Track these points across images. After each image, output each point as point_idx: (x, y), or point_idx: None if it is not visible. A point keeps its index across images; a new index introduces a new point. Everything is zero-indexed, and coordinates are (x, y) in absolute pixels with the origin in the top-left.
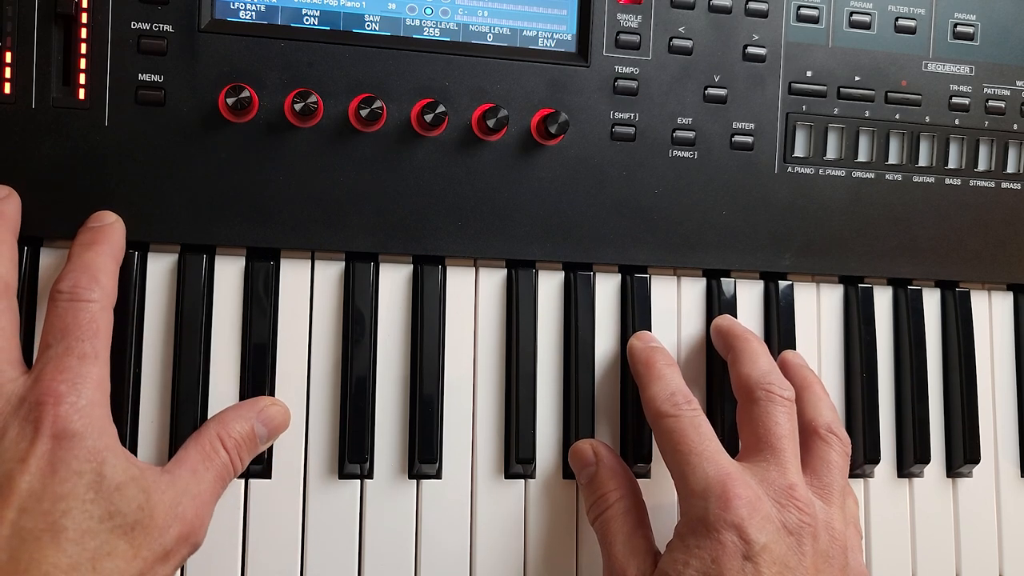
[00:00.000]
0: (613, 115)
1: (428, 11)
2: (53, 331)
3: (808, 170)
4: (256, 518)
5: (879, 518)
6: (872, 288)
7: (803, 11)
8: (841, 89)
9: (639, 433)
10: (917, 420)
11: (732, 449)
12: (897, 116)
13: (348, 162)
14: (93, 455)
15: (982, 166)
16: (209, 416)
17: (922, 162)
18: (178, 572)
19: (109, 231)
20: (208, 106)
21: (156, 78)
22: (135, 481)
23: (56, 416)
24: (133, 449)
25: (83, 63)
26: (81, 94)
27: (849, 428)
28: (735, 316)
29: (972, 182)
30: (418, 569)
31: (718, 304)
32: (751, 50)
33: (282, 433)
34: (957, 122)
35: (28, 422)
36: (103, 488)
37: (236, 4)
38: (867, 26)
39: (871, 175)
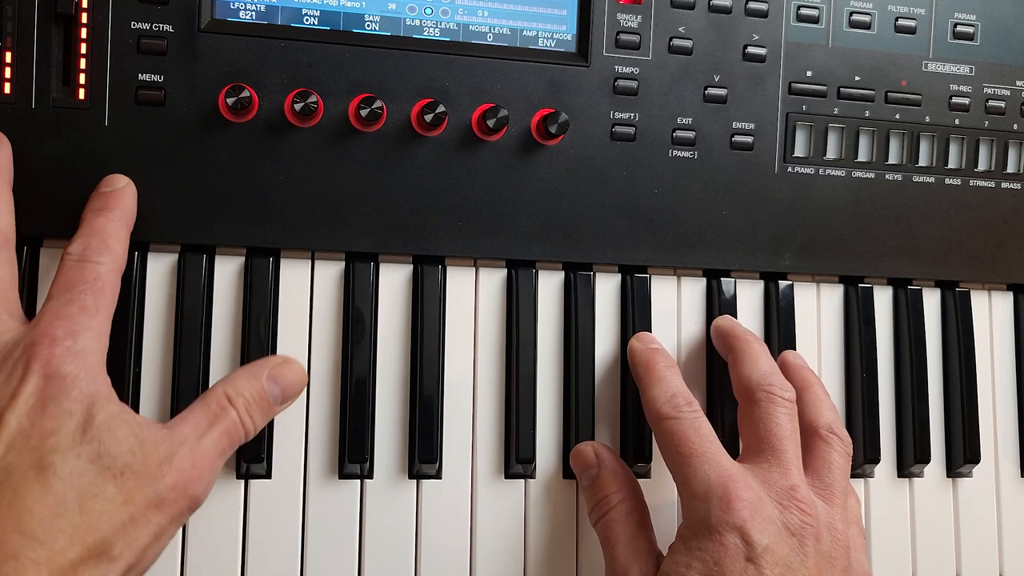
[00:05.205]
0: (613, 115)
1: (428, 11)
2: (58, 284)
3: (808, 170)
4: (256, 518)
5: (879, 518)
6: (872, 288)
7: (803, 11)
8: (841, 89)
9: (639, 433)
10: (917, 420)
11: (733, 450)
12: (897, 116)
13: (348, 162)
14: (85, 396)
15: (982, 166)
16: None
17: (922, 162)
18: (178, 571)
19: (120, 196)
20: (208, 106)
21: (156, 78)
22: (128, 426)
23: (50, 356)
24: None
25: (83, 63)
26: (81, 94)
27: (849, 428)
28: (735, 316)
29: (972, 182)
30: (418, 569)
31: (718, 304)
32: (751, 50)
33: (297, 396)
34: (957, 122)
35: (20, 362)
36: (93, 428)
37: (236, 4)
38: (867, 26)
39: (871, 175)
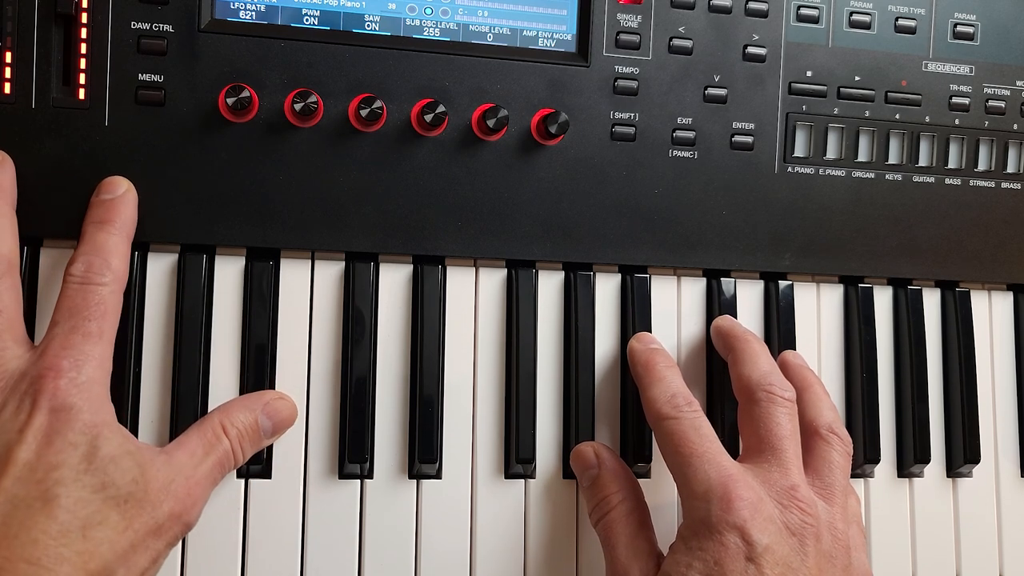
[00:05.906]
0: (613, 115)
1: (428, 11)
2: (62, 310)
3: (808, 170)
4: (256, 518)
5: (879, 518)
6: (872, 288)
7: (803, 11)
8: (841, 89)
9: (639, 433)
10: (917, 420)
11: (733, 450)
12: (897, 116)
13: (348, 162)
14: (89, 428)
15: (982, 166)
16: None
17: (922, 162)
18: (178, 571)
19: (120, 204)
20: (208, 106)
21: (156, 78)
22: (130, 455)
23: (55, 389)
24: None
25: (83, 63)
26: (81, 94)
27: (849, 428)
28: (735, 316)
29: (972, 182)
30: (418, 569)
31: (718, 304)
32: (751, 50)
33: (287, 429)
34: (957, 122)
35: (28, 395)
36: (98, 459)
37: (236, 4)
38: (867, 26)
39: (871, 175)
